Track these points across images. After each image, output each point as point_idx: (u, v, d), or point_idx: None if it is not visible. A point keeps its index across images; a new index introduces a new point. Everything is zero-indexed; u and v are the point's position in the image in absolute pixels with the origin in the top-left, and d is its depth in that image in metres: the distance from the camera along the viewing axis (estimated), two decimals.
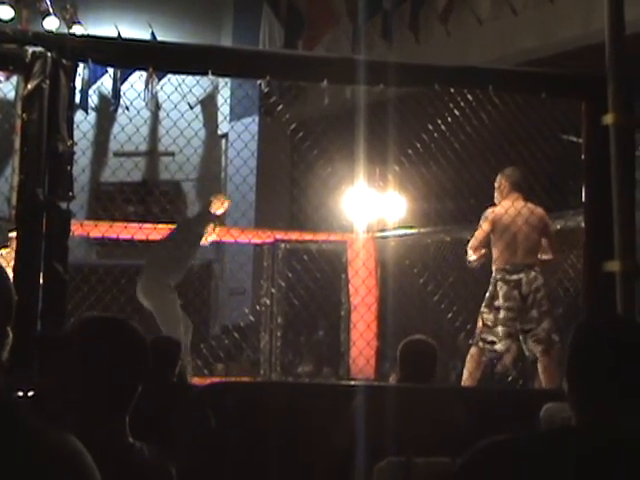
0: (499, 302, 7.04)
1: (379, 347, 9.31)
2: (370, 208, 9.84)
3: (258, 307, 10.42)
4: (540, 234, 7.16)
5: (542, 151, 6.69)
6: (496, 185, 7.33)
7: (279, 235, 10.25)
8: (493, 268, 7.20)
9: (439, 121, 6.19)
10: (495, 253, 7.17)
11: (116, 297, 9.20)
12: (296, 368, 11.72)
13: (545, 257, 7.24)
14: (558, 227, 7.98)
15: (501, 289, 7.05)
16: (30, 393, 2.08)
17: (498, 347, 7.08)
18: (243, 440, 4.74)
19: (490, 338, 7.06)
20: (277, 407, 4.85)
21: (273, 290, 10.02)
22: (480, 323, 7.13)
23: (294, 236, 10.35)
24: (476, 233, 7.28)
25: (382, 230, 9.97)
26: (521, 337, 7.05)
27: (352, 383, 7.49)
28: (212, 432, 4.56)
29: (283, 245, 10.23)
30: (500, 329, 7.00)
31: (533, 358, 7.16)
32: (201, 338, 9.97)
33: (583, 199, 5.41)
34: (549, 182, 7.61)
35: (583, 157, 5.40)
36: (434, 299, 8.71)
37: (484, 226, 7.19)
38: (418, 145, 6.52)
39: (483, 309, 7.14)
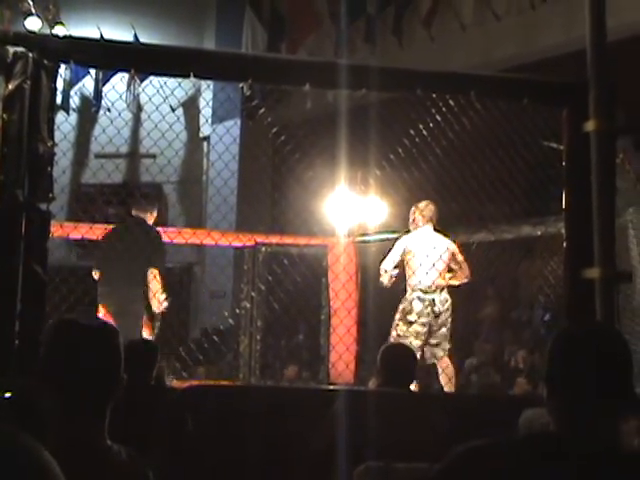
0: (413, 317, 7.79)
1: (358, 352, 9.30)
2: (351, 212, 9.83)
3: (238, 310, 10.37)
4: (448, 261, 7.89)
5: (523, 157, 6.69)
6: (410, 215, 8.14)
7: (260, 238, 10.22)
8: (408, 288, 7.90)
9: (421, 126, 6.17)
10: (409, 274, 7.91)
11: (96, 299, 9.14)
12: (276, 372, 11.69)
13: (456, 282, 8.01)
14: (539, 233, 8.05)
15: (416, 306, 7.80)
16: (7, 395, 2.06)
17: None
18: (221, 443, 4.73)
19: None
20: (256, 411, 4.84)
21: (253, 294, 9.99)
22: (394, 333, 7.84)
23: (275, 239, 10.33)
24: (390, 255, 8.03)
25: (363, 234, 9.96)
26: (430, 348, 7.85)
27: (332, 388, 7.47)
28: (190, 435, 4.55)
29: (264, 248, 10.20)
30: (414, 341, 7.64)
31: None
32: (181, 341, 9.93)
33: (563, 205, 5.40)
34: (530, 188, 7.63)
35: (564, 164, 5.39)
36: None
37: (398, 250, 7.98)
38: (400, 149, 6.52)
39: (397, 321, 7.87)
